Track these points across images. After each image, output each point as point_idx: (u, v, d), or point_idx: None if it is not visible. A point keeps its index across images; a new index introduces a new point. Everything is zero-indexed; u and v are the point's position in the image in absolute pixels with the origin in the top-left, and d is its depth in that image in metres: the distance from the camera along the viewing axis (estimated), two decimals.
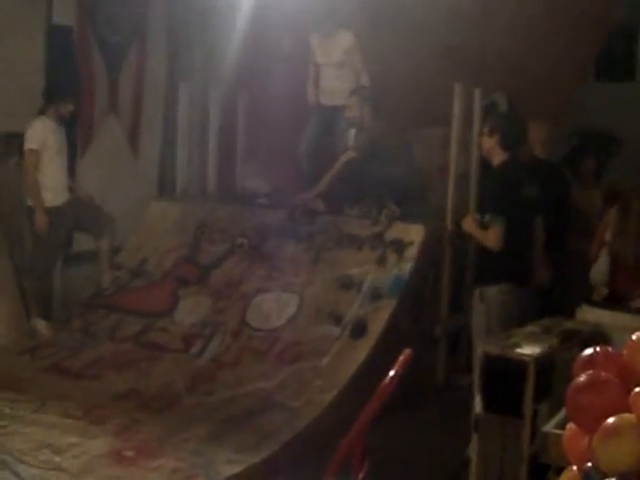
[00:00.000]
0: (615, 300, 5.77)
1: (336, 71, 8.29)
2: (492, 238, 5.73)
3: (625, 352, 2.36)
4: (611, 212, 6.23)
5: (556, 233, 6.61)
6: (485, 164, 6.56)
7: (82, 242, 8.08)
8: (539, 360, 4.66)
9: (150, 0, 8.96)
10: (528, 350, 4.75)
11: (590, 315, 5.53)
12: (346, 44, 8.17)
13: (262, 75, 8.84)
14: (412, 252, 7.09)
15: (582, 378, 2.26)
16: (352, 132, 7.96)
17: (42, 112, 7.47)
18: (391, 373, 3.94)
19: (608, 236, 6.12)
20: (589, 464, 2.20)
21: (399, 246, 7.16)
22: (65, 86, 7.79)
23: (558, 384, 4.46)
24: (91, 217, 7.79)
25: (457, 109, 7.41)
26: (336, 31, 8.22)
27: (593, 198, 7.53)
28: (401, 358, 4.02)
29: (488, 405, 4.75)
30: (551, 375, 4.70)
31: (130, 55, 8.88)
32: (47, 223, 7.40)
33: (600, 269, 6.05)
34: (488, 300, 5.75)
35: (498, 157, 5.94)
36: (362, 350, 6.56)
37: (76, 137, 8.29)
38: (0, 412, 5.95)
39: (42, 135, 7.40)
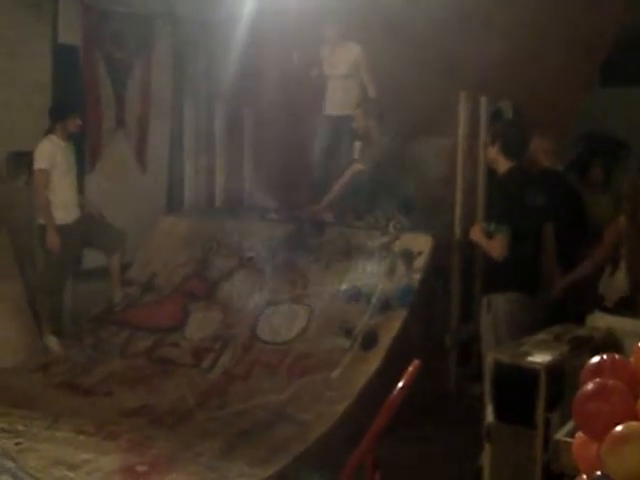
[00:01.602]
0: (626, 306, 5.73)
1: (343, 82, 8.32)
2: (496, 247, 5.70)
3: (633, 359, 2.36)
4: (620, 220, 6.17)
5: (569, 241, 6.57)
6: (492, 173, 6.55)
7: (91, 259, 8.09)
8: (550, 368, 4.63)
9: (155, 16, 8.98)
10: (539, 358, 4.73)
11: (601, 322, 5.49)
12: (353, 56, 8.20)
13: (267, 89, 8.85)
14: (421, 262, 7.09)
15: (589, 386, 2.25)
16: (357, 144, 7.97)
17: (50, 131, 7.51)
18: (400, 384, 3.94)
19: (624, 247, 6.05)
20: (598, 472, 2.19)
21: (408, 256, 7.16)
22: (71, 103, 7.83)
23: (569, 392, 4.44)
24: (102, 234, 7.82)
25: (462, 118, 7.40)
26: (344, 43, 8.26)
27: (602, 204, 7.48)
28: (410, 369, 4.02)
29: (500, 414, 4.74)
30: (562, 383, 4.67)
31: (136, 71, 8.93)
32: (59, 241, 7.43)
33: (618, 286, 5.97)
34: (495, 309, 5.73)
35: (502, 165, 5.92)
36: (373, 361, 6.56)
37: (84, 154, 8.31)
38: (14, 429, 6.00)
39: (51, 154, 7.44)
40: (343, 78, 8.31)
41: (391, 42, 8.41)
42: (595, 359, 2.40)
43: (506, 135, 5.96)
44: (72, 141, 7.67)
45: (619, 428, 2.14)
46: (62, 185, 7.52)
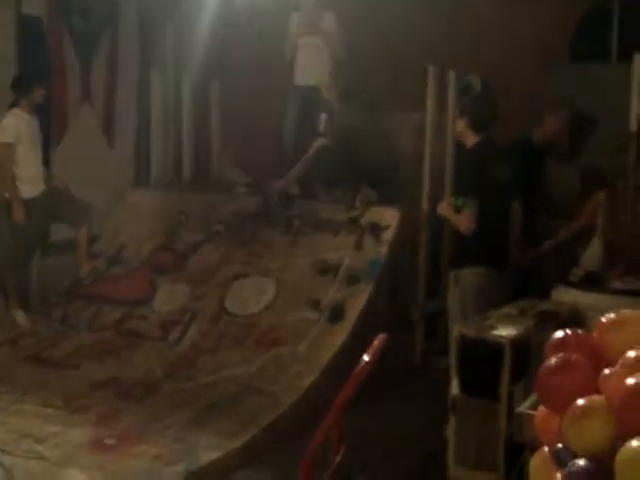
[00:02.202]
0: (591, 281, 5.79)
1: (315, 51, 8.28)
2: (464, 222, 5.71)
3: (595, 334, 2.40)
4: (599, 196, 6.23)
5: (530, 214, 6.62)
6: (460, 147, 6.56)
7: (59, 232, 8.05)
8: (515, 342, 4.69)
9: None
10: (504, 332, 4.78)
11: (566, 296, 5.55)
12: (327, 25, 8.17)
13: (234, 61, 8.82)
14: (388, 236, 7.13)
15: (552, 360, 2.29)
16: (323, 116, 7.96)
17: (14, 104, 7.43)
18: (365, 357, 3.97)
19: (599, 221, 6.12)
20: (560, 445, 2.24)
21: (375, 230, 7.20)
22: (35, 74, 7.74)
23: (534, 365, 4.50)
24: (68, 207, 7.76)
25: (431, 92, 7.40)
26: (318, 11, 8.23)
27: (570, 178, 7.54)
28: (375, 342, 4.05)
29: (465, 387, 4.80)
30: (527, 356, 4.72)
31: (102, 44, 8.84)
32: (24, 214, 7.38)
33: (594, 255, 6.04)
34: (463, 283, 5.75)
35: (470, 139, 5.92)
36: (340, 334, 6.60)
37: (50, 127, 8.23)
38: None
39: (16, 128, 7.37)
40: (316, 47, 8.27)
41: (359, 11, 8.40)
42: (558, 334, 2.44)
43: (474, 109, 5.96)
44: (38, 114, 7.60)
45: (580, 402, 2.18)
46: (28, 159, 7.46)
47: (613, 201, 6.09)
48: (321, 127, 7.94)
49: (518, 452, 4.08)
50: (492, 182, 5.71)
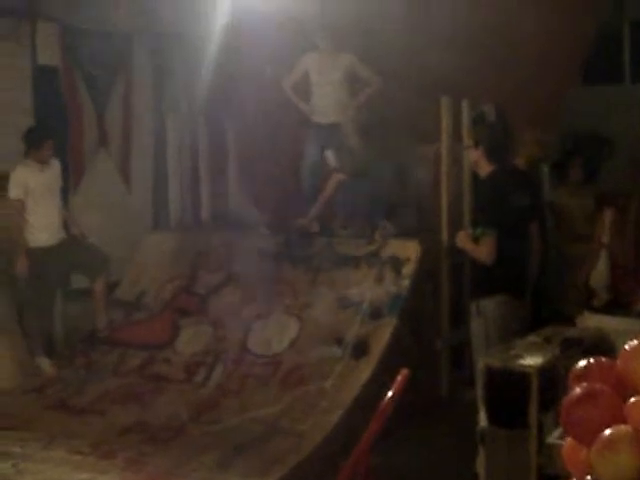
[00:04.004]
0: (616, 305, 5.75)
1: (334, 89, 8.31)
2: (484, 252, 5.69)
3: (619, 361, 2.36)
4: (607, 213, 6.21)
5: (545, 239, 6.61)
6: (477, 177, 6.55)
7: (81, 278, 8.06)
8: (541, 371, 4.65)
9: (133, 34, 8.97)
10: (530, 361, 4.74)
11: (591, 321, 5.51)
12: (347, 62, 8.21)
13: (247, 102, 8.86)
14: (409, 269, 7.11)
15: (576, 391, 2.26)
16: (330, 153, 7.99)
17: (26, 155, 7.50)
18: (389, 394, 3.95)
19: (605, 238, 6.11)
20: (588, 477, 2.20)
21: (396, 263, 7.18)
22: (45, 128, 7.80)
23: (562, 394, 4.45)
24: (85, 256, 7.76)
25: (445, 123, 7.42)
26: (335, 52, 8.27)
27: (584, 202, 7.53)
28: (398, 378, 4.04)
29: (493, 418, 4.75)
30: (555, 385, 4.67)
31: (116, 89, 8.90)
32: (27, 267, 7.38)
33: (600, 271, 6.03)
34: (485, 313, 5.72)
35: (485, 169, 5.92)
36: (365, 370, 6.57)
37: (67, 174, 8.29)
38: (10, 451, 6.00)
39: (22, 181, 7.42)
40: (335, 84, 8.30)
41: (373, 52, 8.43)
42: (581, 363, 2.41)
43: (489, 139, 5.97)
44: (56, 161, 7.65)
45: (607, 432, 2.15)
46: (41, 207, 7.48)
47: (620, 219, 6.08)
48: (332, 162, 7.96)
49: None
50: (508, 210, 5.70)
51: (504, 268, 5.67)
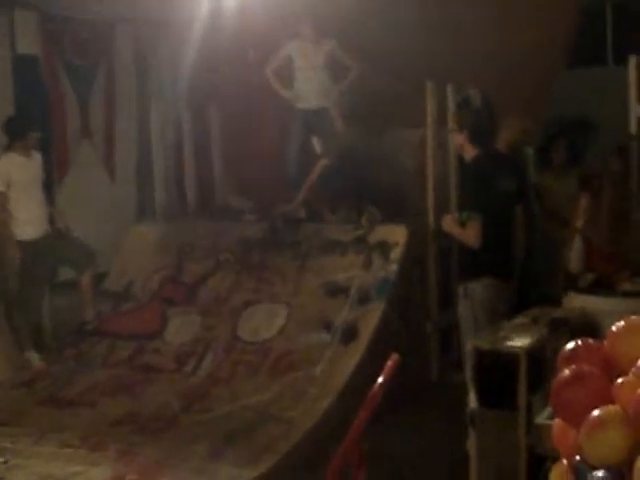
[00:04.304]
0: (600, 285, 5.78)
1: (317, 74, 8.30)
2: (471, 235, 5.71)
3: (606, 343, 2.37)
4: (582, 198, 6.26)
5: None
6: (462, 161, 6.56)
7: (67, 271, 8.04)
8: (530, 351, 4.68)
9: (115, 21, 8.90)
10: (518, 342, 4.77)
11: (577, 302, 5.54)
12: (329, 48, 8.20)
13: (230, 87, 8.83)
14: (397, 253, 7.12)
15: (564, 373, 2.27)
16: (316, 139, 7.98)
17: (8, 147, 7.43)
18: (379, 379, 3.96)
19: (579, 222, 6.16)
20: (578, 458, 2.21)
21: (383, 248, 7.19)
22: (29, 117, 7.73)
23: (550, 374, 4.48)
24: (69, 250, 7.72)
25: (430, 107, 7.42)
26: (318, 38, 8.26)
27: (569, 185, 7.55)
28: (388, 363, 4.04)
29: (482, 400, 4.78)
30: (543, 365, 4.70)
31: (99, 78, 8.82)
32: (19, 258, 7.37)
33: (575, 255, 6.07)
34: (472, 296, 5.75)
35: (469, 153, 5.93)
36: (354, 355, 6.58)
37: (51, 166, 8.23)
38: (1, 447, 5.95)
39: (5, 174, 7.34)
40: (317, 69, 8.29)
41: (358, 35, 8.41)
42: (569, 345, 2.42)
43: (473, 123, 5.98)
44: (38, 154, 7.58)
45: (595, 413, 2.16)
46: (24, 201, 7.39)
47: (595, 202, 6.11)
48: (318, 148, 7.96)
49: (540, 463, 4.05)
50: (493, 194, 5.71)
51: (490, 251, 5.69)
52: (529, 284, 6.75)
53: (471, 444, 4.84)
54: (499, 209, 5.78)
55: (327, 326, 6.89)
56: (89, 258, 7.76)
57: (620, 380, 2.24)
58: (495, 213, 5.71)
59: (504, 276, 5.78)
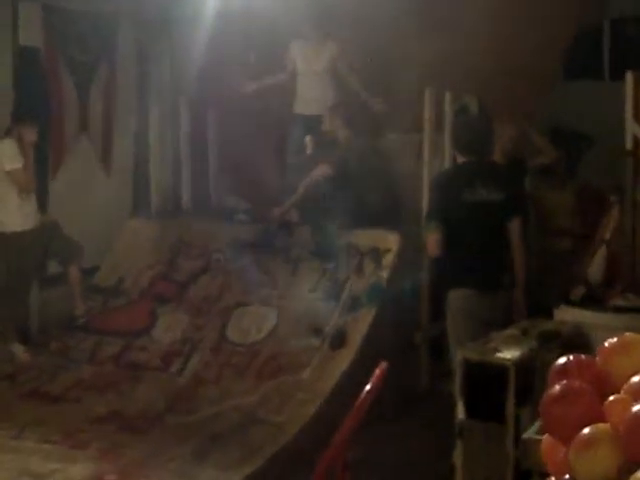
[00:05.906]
0: (593, 299, 5.76)
1: (318, 80, 8.26)
2: (427, 245, 5.71)
3: (598, 359, 2.33)
4: (613, 211, 6.24)
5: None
6: None
7: (57, 264, 7.98)
8: (519, 364, 4.65)
9: (118, 16, 8.87)
10: (508, 354, 4.74)
11: (569, 315, 5.52)
12: (332, 52, 8.16)
13: (231, 89, 8.79)
14: (388, 260, 7.10)
15: (555, 388, 2.23)
16: (309, 138, 7.96)
17: (7, 133, 7.38)
18: (367, 387, 3.92)
19: (607, 234, 6.13)
20: (567, 476, 2.17)
21: (376, 254, 7.16)
22: (31, 110, 7.68)
23: (539, 387, 4.44)
24: (60, 244, 7.66)
25: (428, 114, 7.40)
26: (321, 40, 8.22)
27: (565, 196, 7.54)
28: (377, 371, 4.01)
29: (470, 411, 4.74)
30: (532, 378, 4.68)
31: (100, 73, 8.79)
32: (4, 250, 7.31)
33: (597, 267, 6.04)
34: (451, 306, 5.73)
35: (458, 161, 5.93)
36: (343, 360, 6.55)
37: (48, 158, 8.18)
38: None
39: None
40: (319, 75, 8.25)
41: (358, 37, 8.39)
42: (561, 360, 2.38)
43: (459, 132, 5.97)
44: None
45: (586, 431, 2.12)
46: (15, 192, 7.36)
47: (618, 217, 6.10)
48: (309, 149, 7.93)
49: (527, 477, 4.01)
50: (459, 204, 5.65)
51: (461, 262, 5.64)
52: (537, 294, 6.71)
53: (458, 455, 4.81)
54: (466, 219, 5.70)
55: (317, 330, 6.86)
56: (77, 251, 7.71)
57: (612, 398, 2.19)
58: (461, 223, 5.65)
59: (480, 287, 5.68)
